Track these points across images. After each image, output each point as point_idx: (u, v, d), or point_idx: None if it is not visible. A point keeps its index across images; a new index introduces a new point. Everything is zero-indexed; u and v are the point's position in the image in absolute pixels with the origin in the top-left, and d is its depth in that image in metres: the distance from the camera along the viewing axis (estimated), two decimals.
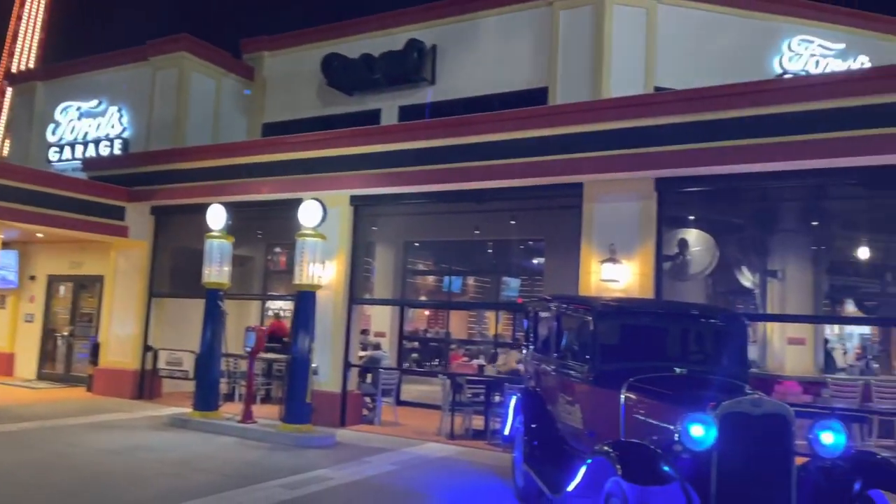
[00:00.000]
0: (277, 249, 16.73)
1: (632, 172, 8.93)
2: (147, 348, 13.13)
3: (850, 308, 14.93)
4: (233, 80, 16.97)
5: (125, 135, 16.43)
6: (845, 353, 16.21)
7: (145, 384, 13.06)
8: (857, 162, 7.87)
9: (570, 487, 5.18)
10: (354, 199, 11.18)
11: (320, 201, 9.93)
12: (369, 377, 12.05)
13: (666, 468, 4.24)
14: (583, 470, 4.95)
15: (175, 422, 10.27)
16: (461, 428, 10.42)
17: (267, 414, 10.46)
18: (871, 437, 9.43)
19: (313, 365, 9.98)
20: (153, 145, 15.34)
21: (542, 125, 9.70)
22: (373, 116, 15.26)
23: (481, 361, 13.60)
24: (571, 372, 6.18)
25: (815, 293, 12.42)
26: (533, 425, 6.68)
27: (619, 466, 4.27)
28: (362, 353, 12.83)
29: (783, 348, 12.28)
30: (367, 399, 11.65)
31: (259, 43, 17.36)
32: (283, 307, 17.86)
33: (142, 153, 14.77)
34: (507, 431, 7.37)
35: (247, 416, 10.01)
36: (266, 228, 14.80)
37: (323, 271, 10.27)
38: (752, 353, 11.57)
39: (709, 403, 4.42)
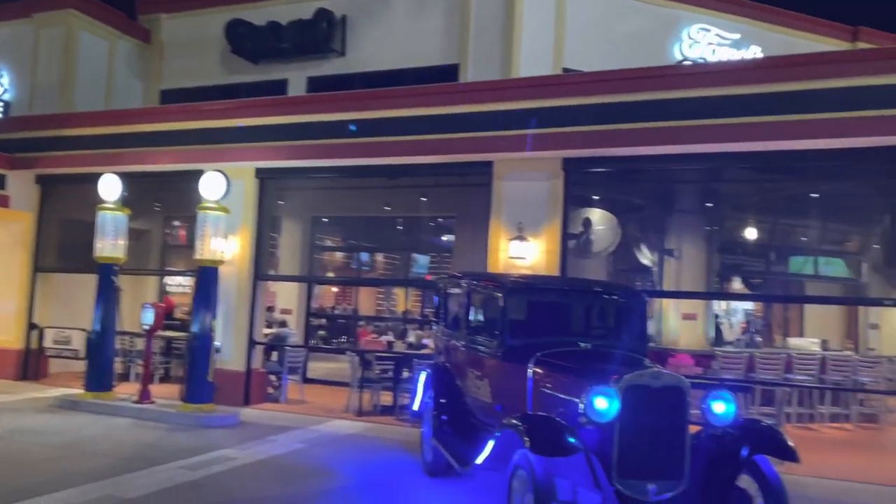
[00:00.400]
0: (177, 223, 16.04)
1: (540, 152, 9.07)
2: (32, 326, 12.32)
3: (738, 285, 15.89)
4: (128, 42, 15.98)
5: (6, 97, 15.22)
6: (731, 327, 17.28)
7: (30, 364, 12.26)
8: (748, 147, 8.31)
9: (479, 460, 5.27)
10: (260, 172, 10.82)
11: (223, 173, 9.54)
12: (275, 355, 11.79)
13: (571, 440, 4.37)
14: (491, 443, 5.04)
15: (64, 403, 9.70)
16: (369, 404, 10.40)
17: (166, 394, 10.06)
18: (754, 405, 10.13)
19: (216, 343, 9.66)
20: (37, 109, 14.27)
21: (453, 102, 9.68)
22: (279, 86, 14.79)
23: (390, 338, 13.59)
24: (481, 347, 6.26)
25: (708, 271, 13.12)
26: (442, 400, 6.74)
27: (526, 439, 4.37)
28: (268, 331, 12.53)
29: (677, 323, 12.94)
30: (273, 377, 11.41)
31: (157, 4, 16.42)
32: (181, 283, 17.19)
33: (25, 117, 13.71)
34: (415, 407, 7.41)
35: (144, 397, 9.59)
36: (164, 201, 14.13)
37: (226, 246, 9.91)
38: (650, 328, 12.12)
39: (612, 377, 4.58)
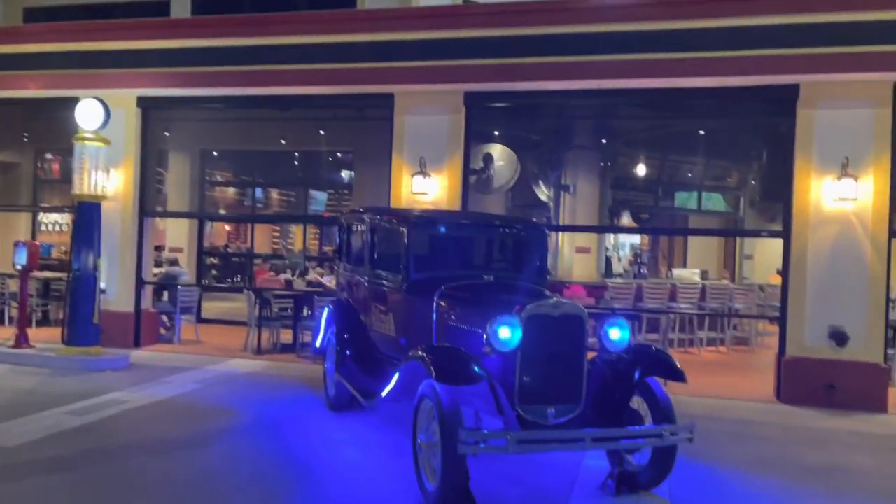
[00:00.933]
0: (49, 155, 14.82)
1: (441, 85, 8.92)
2: None
3: (627, 220, 16.59)
4: None
5: None
6: (620, 260, 18.12)
7: None
8: (642, 84, 8.50)
9: (384, 393, 5.29)
10: (142, 101, 10.07)
11: (102, 101, 8.81)
12: (166, 295, 11.30)
13: (476, 369, 4.44)
14: (396, 376, 5.06)
15: None
16: (269, 343, 10.21)
17: (45, 338, 9.46)
18: (641, 333, 10.73)
19: (101, 283, 9.11)
20: None
21: (352, 30, 9.29)
22: (161, 8, 13.70)
23: (288, 276, 13.31)
24: (385, 282, 6.21)
25: (601, 206, 13.60)
26: (345, 336, 6.68)
27: (432, 369, 4.40)
28: (157, 270, 11.95)
29: (572, 257, 13.40)
30: (165, 318, 10.95)
31: None
32: (58, 220, 16.05)
33: None
34: (318, 344, 7.32)
35: (21, 341, 8.96)
36: (35, 131, 13.00)
37: (107, 181, 9.24)
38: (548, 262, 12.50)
39: (514, 307, 4.66)
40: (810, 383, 7.74)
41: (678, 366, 4.90)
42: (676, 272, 14.66)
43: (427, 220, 6.43)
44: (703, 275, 13.79)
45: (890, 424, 7.18)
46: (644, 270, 16.50)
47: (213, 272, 17.15)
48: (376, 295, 6.41)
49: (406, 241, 5.88)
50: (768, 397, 8.12)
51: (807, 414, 7.45)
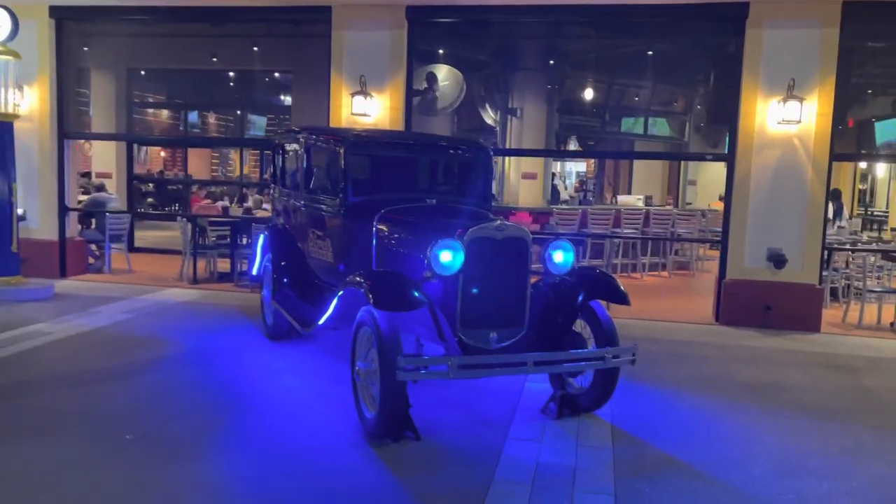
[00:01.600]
0: None
1: None
2: None
3: (573, 145, 16.47)
4: None
5: None
6: (566, 187, 18.11)
7: None
8: (589, 0, 8.20)
9: (322, 320, 5.10)
10: (56, 11, 9.22)
11: (8, 9, 8.01)
12: (94, 223, 10.73)
13: (416, 294, 4.27)
14: (335, 302, 4.86)
15: None
16: (205, 272, 9.85)
17: None
18: (585, 258, 10.76)
19: (18, 210, 8.52)
20: None
21: None
22: None
23: (225, 203, 12.82)
24: (322, 206, 5.92)
25: (548, 130, 13.39)
26: (282, 263, 6.42)
27: (370, 295, 4.21)
28: (84, 197, 11.32)
29: (518, 183, 13.25)
30: (94, 247, 10.43)
31: None
32: None
33: None
34: (255, 271, 7.04)
35: None
36: None
37: (20, 99, 8.53)
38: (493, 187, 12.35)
39: (456, 231, 4.47)
40: (748, 305, 7.89)
41: (622, 288, 4.85)
42: (621, 198, 14.71)
43: (366, 140, 6.10)
44: (647, 201, 13.88)
45: (822, 343, 7.40)
46: (590, 197, 16.54)
47: (150, 199, 16.45)
48: (313, 220, 6.12)
49: (343, 162, 5.56)
50: (708, 319, 8.26)
51: (744, 334, 7.61)
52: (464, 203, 5.71)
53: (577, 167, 21.78)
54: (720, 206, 9.96)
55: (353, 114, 8.58)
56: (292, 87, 13.80)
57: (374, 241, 5.18)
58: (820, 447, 4.50)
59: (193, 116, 16.99)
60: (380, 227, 5.19)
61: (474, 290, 4.46)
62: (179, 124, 17.57)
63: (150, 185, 17.07)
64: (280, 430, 4.43)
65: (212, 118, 18.58)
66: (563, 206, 12.91)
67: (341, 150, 5.63)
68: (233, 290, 9.15)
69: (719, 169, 8.96)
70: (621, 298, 4.84)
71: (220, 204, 12.69)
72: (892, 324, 8.22)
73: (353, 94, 8.56)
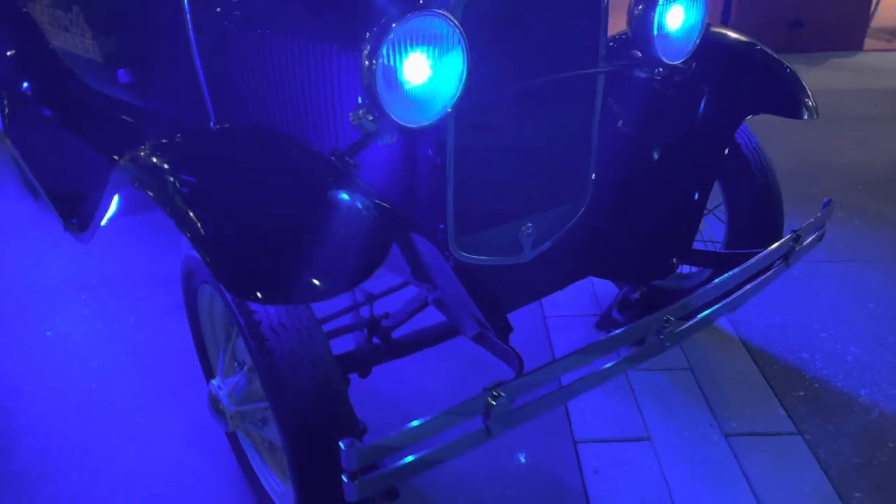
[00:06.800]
0: None
1: None
2: None
3: None
4: None
5: None
6: None
7: None
8: None
9: (104, 221, 2.07)
10: None
11: None
12: None
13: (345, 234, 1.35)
14: (116, 199, 1.81)
15: None
16: None
17: None
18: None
19: None
20: None
21: None
22: None
23: None
24: None
25: None
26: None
27: (207, 258, 1.25)
28: None
29: None
30: None
31: None
32: None
33: None
34: None
35: None
36: None
37: None
38: None
39: None
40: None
41: (804, 83, 2.04)
42: None
43: None
44: None
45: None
46: None
47: None
48: None
49: None
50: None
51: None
52: None
53: None
54: None
55: None
56: None
57: (190, 21, 1.98)
58: None
59: None
60: None
61: (486, 141, 1.62)
62: None
63: None
64: None
65: None
66: None
67: None
68: None
69: None
70: (802, 109, 2.04)
71: None
72: None
73: None
